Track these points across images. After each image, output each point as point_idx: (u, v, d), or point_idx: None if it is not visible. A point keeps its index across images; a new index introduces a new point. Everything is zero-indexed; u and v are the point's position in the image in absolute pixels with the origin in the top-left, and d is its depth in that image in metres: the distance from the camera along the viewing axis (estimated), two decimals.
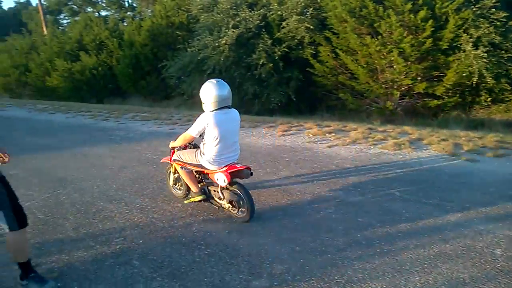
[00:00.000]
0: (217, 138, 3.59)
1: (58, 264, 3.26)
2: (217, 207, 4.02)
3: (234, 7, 11.17)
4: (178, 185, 4.48)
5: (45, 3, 39.19)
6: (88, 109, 12.41)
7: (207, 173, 3.91)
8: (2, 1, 57.18)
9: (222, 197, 3.85)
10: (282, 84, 10.65)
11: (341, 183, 4.72)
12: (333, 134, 7.10)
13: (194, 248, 3.40)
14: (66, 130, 9.21)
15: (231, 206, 3.80)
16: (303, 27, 10.10)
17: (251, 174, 3.75)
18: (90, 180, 5.37)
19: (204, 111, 3.67)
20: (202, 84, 3.67)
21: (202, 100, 3.66)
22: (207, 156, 3.72)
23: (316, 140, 6.85)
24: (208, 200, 4.08)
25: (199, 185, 4.12)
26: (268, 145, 6.73)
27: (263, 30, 10.65)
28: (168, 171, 4.58)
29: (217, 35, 10.59)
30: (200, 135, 3.71)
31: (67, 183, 5.33)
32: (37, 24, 27.95)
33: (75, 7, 41.58)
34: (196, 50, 11.07)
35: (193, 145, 4.22)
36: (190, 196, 4.18)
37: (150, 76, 15.74)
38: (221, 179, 3.67)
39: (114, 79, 17.63)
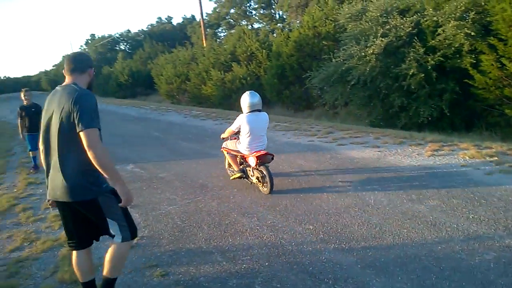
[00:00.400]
0: (248, 132, 5.09)
1: (185, 277, 3.29)
2: (250, 182, 5.38)
3: (384, 15, 10.42)
4: (232, 168, 5.74)
5: (206, 18, 43.83)
6: (234, 117, 13.09)
7: (244, 157, 5.29)
8: (172, 18, 65.94)
9: (252, 174, 5.21)
10: (434, 97, 9.46)
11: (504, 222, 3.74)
12: (495, 158, 5.85)
13: (321, 281, 3.06)
14: (213, 137, 9.82)
15: (258, 181, 5.14)
16: (462, 34, 8.79)
17: (272, 158, 5.21)
18: (228, 189, 5.48)
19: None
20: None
21: (241, 106, 5.28)
22: (242, 144, 5.24)
23: (473, 163, 5.74)
24: (245, 177, 5.40)
25: (240, 166, 5.51)
26: (414, 166, 5.92)
27: (415, 38, 9.65)
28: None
29: (364, 45, 10.01)
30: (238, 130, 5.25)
31: (207, 190, 5.55)
32: (199, 37, 31.25)
33: (231, 21, 45.42)
34: (341, 60, 10.68)
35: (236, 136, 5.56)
36: (233, 173, 5.61)
37: (294, 86, 15.91)
38: (252, 161, 5.07)
39: (261, 88, 18.38)
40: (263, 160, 5.06)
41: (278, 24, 39.49)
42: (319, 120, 11.88)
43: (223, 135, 5.81)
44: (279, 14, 42.82)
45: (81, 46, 75.50)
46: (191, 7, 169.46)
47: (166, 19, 65.81)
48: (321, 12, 14.97)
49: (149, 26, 64.23)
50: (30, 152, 7.81)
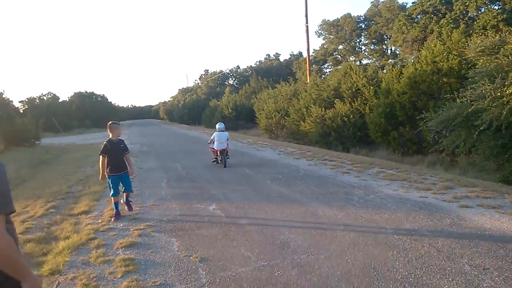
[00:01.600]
0: (216, 140, 11.33)
1: None
2: (217, 162, 11.42)
3: None
4: (215, 159, 11.62)
5: (313, 54, 43.84)
6: (331, 158, 12.10)
7: (216, 151, 11.35)
8: (279, 54, 67.87)
9: (220, 158, 11.23)
10: None
11: None
12: None
13: None
14: (305, 180, 8.92)
15: (221, 161, 11.20)
16: None
17: (227, 153, 11.42)
18: (313, 253, 4.50)
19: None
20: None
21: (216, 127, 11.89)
22: (214, 145, 11.40)
23: None
24: (217, 161, 11.47)
25: (216, 156, 11.49)
26: None
27: None
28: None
29: (501, 83, 8.24)
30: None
31: (288, 251, 4.63)
32: (303, 73, 31.04)
33: (339, 57, 44.74)
34: (468, 100, 8.98)
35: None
36: (213, 159, 11.73)
37: (404, 127, 14.28)
38: (217, 152, 11.28)
39: (364, 127, 17.07)
40: (222, 152, 11.24)
41: (390, 60, 37.69)
42: (433, 169, 10.18)
43: (209, 142, 12.25)
44: (391, 49, 40.96)
45: (195, 80, 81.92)
46: (299, 44, 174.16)
47: (274, 55, 68.19)
48: (444, 46, 13.33)
49: (257, 62, 67.10)
50: (113, 198, 6.59)
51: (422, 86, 13.63)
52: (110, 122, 6.87)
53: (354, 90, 18.58)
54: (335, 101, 18.15)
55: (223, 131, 11.57)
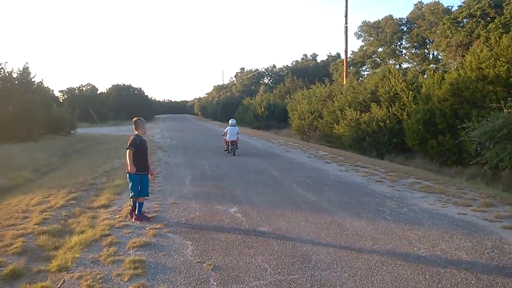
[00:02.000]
0: (228, 133, 14.04)
1: None
2: (229, 151, 14.12)
3: None
4: (226, 149, 14.45)
5: (351, 56, 42.78)
6: (364, 164, 11.52)
7: (228, 141, 14.16)
8: (317, 55, 66.79)
9: (230, 148, 14.02)
10: None
11: None
12: None
13: None
14: (334, 186, 8.44)
15: (231, 150, 13.92)
16: None
17: (236, 144, 14.10)
18: (336, 270, 4.08)
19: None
20: None
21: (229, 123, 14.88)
22: (227, 137, 14.15)
23: None
24: (228, 150, 14.22)
25: (227, 146, 14.36)
26: None
27: None
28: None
29: None
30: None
31: (308, 265, 4.23)
32: (340, 74, 30.26)
33: (378, 59, 43.41)
34: None
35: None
36: (225, 148, 14.56)
37: (444, 136, 13.44)
38: (228, 143, 14.18)
39: (400, 134, 16.27)
40: (232, 142, 13.79)
41: (431, 65, 36.20)
42: (474, 183, 9.42)
43: (222, 134, 14.92)
44: (433, 54, 39.30)
45: (230, 77, 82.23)
46: (338, 45, 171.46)
47: (311, 56, 67.26)
48: (490, 51, 12.41)
49: (294, 62, 66.41)
50: (132, 199, 6.07)
51: (465, 93, 12.78)
52: (135, 118, 6.33)
53: (392, 94, 17.78)
54: (371, 105, 17.42)
55: (235, 126, 14.24)
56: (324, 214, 6.23)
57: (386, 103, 17.64)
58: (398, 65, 37.94)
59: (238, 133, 14.04)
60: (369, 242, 4.95)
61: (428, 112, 14.13)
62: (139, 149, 6.02)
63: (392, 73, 19.01)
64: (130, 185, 6.07)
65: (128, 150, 5.94)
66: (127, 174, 6.07)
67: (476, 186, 8.71)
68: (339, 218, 6.01)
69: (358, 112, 17.60)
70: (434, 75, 15.70)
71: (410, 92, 16.67)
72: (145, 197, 6.31)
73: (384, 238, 5.10)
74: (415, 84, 17.65)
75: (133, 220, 5.94)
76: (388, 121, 16.45)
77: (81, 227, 5.58)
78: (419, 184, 8.64)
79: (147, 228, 5.55)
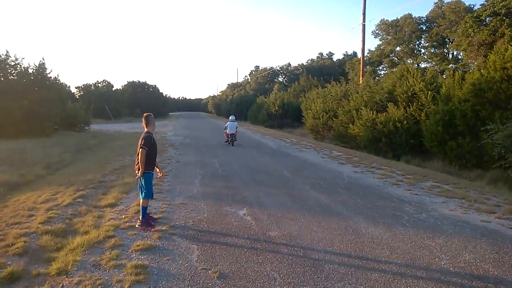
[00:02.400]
0: (228, 127, 17.03)
1: None
2: (228, 143, 17.00)
3: None
4: (227, 140, 17.27)
5: (368, 55, 42.05)
6: (379, 166, 11.14)
7: (228, 134, 17.02)
8: (333, 54, 65.97)
9: (230, 139, 16.93)
10: None
11: None
12: None
13: None
14: (348, 189, 8.11)
15: (230, 141, 16.87)
16: None
17: (235, 137, 16.93)
18: (350, 282, 3.81)
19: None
20: None
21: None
22: (227, 130, 17.12)
23: None
24: (228, 141, 17.06)
25: (228, 138, 17.18)
26: None
27: None
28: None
29: None
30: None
31: (320, 275, 3.95)
32: (356, 73, 29.73)
33: (395, 59, 42.60)
34: None
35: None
36: (225, 141, 17.44)
37: (464, 138, 12.95)
38: (228, 135, 17.06)
39: (418, 135, 15.78)
40: (231, 135, 16.66)
41: (451, 65, 35.37)
42: (496, 188, 8.98)
43: (224, 128, 17.76)
44: (452, 54, 38.38)
45: (245, 76, 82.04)
46: (354, 44, 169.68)
47: (327, 54, 66.55)
48: None
49: (309, 61, 65.78)
50: (144, 201, 5.53)
51: (487, 94, 12.27)
52: (147, 114, 5.84)
53: (410, 94, 17.28)
54: (388, 105, 16.95)
55: (234, 121, 17.18)
56: (338, 218, 5.93)
57: (404, 103, 17.14)
58: (416, 65, 37.10)
59: (236, 128, 17.13)
60: (387, 251, 4.64)
61: (448, 113, 13.63)
62: (152, 148, 5.62)
63: (410, 73, 18.48)
64: (143, 186, 5.50)
65: (141, 150, 5.40)
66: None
67: (499, 191, 8.28)
68: (354, 223, 5.71)
69: (374, 112, 17.15)
70: (454, 75, 15.18)
71: (429, 92, 16.16)
72: (150, 199, 5.83)
73: (402, 246, 4.79)
74: (434, 84, 17.12)
75: (137, 225, 5.47)
76: (405, 122, 15.98)
77: (85, 227, 5.40)
78: (438, 188, 8.25)
79: (152, 230, 5.34)
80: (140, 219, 5.55)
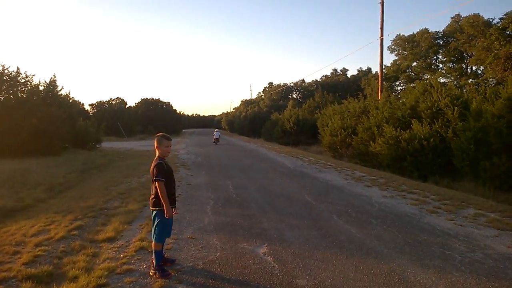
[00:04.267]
0: (215, 134, 33.01)
1: None
2: (216, 144, 31.37)
3: None
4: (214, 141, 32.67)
5: (384, 70, 41.06)
6: (410, 188, 10.09)
7: (214, 139, 32.57)
8: (347, 70, 65.17)
9: (215, 142, 31.81)
10: None
11: None
12: None
13: None
14: (381, 218, 7.10)
15: (216, 143, 31.49)
16: None
17: (218, 140, 32.38)
18: None
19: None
20: None
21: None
22: (214, 136, 32.81)
23: None
24: (215, 143, 31.98)
25: (214, 141, 32.49)
26: None
27: None
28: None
29: None
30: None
31: None
32: (373, 89, 28.79)
33: (412, 74, 41.55)
34: None
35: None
36: (213, 141, 32.68)
37: (499, 157, 11.86)
38: (214, 139, 32.81)
39: (445, 153, 14.70)
40: (216, 139, 32.14)
41: (470, 80, 34.20)
42: None
43: (213, 134, 33.97)
44: (471, 68, 37.22)
45: (258, 92, 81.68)
46: (369, 59, 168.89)
47: (341, 70, 65.81)
48: None
49: (323, 77, 65.11)
50: (158, 244, 4.49)
51: None
52: (160, 134, 4.73)
53: (434, 110, 16.25)
54: (413, 121, 15.93)
55: (219, 131, 32.83)
56: (377, 260, 4.93)
57: (428, 119, 16.11)
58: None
59: (219, 135, 32.52)
60: None
61: (480, 130, 12.59)
62: (169, 175, 4.59)
63: (434, 87, 17.48)
64: (159, 225, 4.48)
65: (158, 183, 4.38)
66: (155, 212, 4.52)
67: None
68: (398, 266, 4.71)
69: (397, 129, 16.13)
70: (486, 90, 14.16)
71: (456, 108, 15.13)
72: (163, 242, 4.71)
73: None
74: (461, 99, 16.08)
75: (151, 274, 4.40)
76: (432, 140, 14.91)
77: (75, 271, 4.51)
78: (483, 216, 7.18)
79: (154, 277, 4.41)
80: (154, 265, 4.48)
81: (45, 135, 18.65)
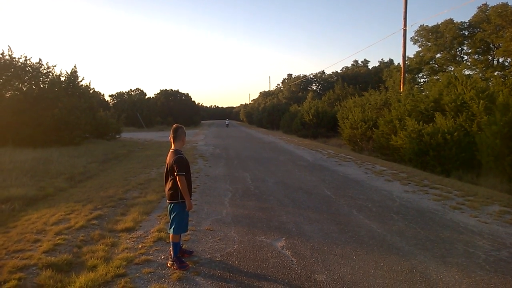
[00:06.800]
0: (226, 122, 65.08)
1: None
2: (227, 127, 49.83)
3: None
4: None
5: (406, 62, 40.12)
6: (432, 183, 9.84)
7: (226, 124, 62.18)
8: (369, 61, 64.03)
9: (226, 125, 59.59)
10: None
11: None
12: None
13: None
14: (403, 214, 6.92)
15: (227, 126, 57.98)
16: None
17: (228, 125, 57.64)
18: None
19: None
20: None
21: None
22: (226, 122, 63.11)
23: None
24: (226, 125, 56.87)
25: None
26: None
27: None
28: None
29: None
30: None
31: None
32: (395, 81, 28.13)
33: (436, 66, 40.48)
34: None
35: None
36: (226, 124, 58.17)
37: None
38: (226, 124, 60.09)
39: (469, 148, 14.26)
40: (227, 125, 58.38)
41: (496, 72, 33.12)
42: None
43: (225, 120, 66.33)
44: (497, 60, 36.00)
45: (277, 84, 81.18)
46: (391, 51, 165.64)
47: (362, 62, 64.73)
48: None
49: (343, 69, 64.17)
50: (175, 236, 4.49)
51: None
52: (176, 125, 4.65)
53: (458, 103, 15.78)
54: (436, 115, 15.51)
55: (228, 120, 66.87)
56: (399, 256, 4.80)
57: (452, 112, 15.66)
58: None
59: (229, 122, 61.51)
60: None
61: (507, 124, 12.14)
62: (188, 169, 4.56)
63: (459, 80, 16.97)
64: (177, 218, 4.47)
65: (179, 177, 4.35)
66: (173, 205, 4.50)
67: None
68: (419, 263, 4.57)
69: (420, 122, 15.74)
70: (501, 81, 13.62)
71: (481, 101, 14.65)
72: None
73: None
74: (487, 92, 15.55)
75: (168, 265, 4.44)
76: (455, 134, 14.49)
77: (94, 260, 4.55)
78: (509, 214, 6.93)
79: (172, 268, 4.41)
80: (172, 256, 4.50)
81: (66, 125, 18.98)
